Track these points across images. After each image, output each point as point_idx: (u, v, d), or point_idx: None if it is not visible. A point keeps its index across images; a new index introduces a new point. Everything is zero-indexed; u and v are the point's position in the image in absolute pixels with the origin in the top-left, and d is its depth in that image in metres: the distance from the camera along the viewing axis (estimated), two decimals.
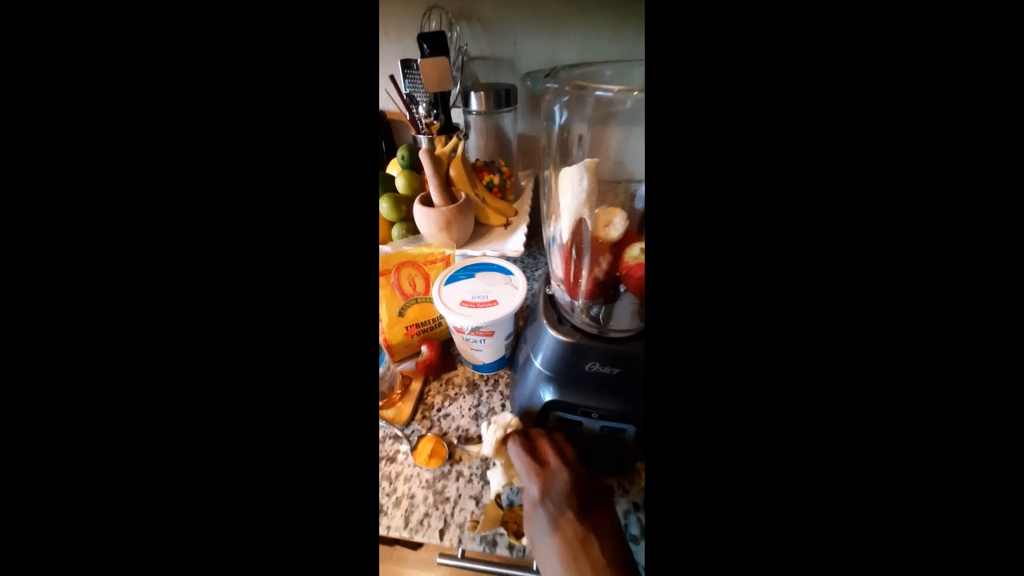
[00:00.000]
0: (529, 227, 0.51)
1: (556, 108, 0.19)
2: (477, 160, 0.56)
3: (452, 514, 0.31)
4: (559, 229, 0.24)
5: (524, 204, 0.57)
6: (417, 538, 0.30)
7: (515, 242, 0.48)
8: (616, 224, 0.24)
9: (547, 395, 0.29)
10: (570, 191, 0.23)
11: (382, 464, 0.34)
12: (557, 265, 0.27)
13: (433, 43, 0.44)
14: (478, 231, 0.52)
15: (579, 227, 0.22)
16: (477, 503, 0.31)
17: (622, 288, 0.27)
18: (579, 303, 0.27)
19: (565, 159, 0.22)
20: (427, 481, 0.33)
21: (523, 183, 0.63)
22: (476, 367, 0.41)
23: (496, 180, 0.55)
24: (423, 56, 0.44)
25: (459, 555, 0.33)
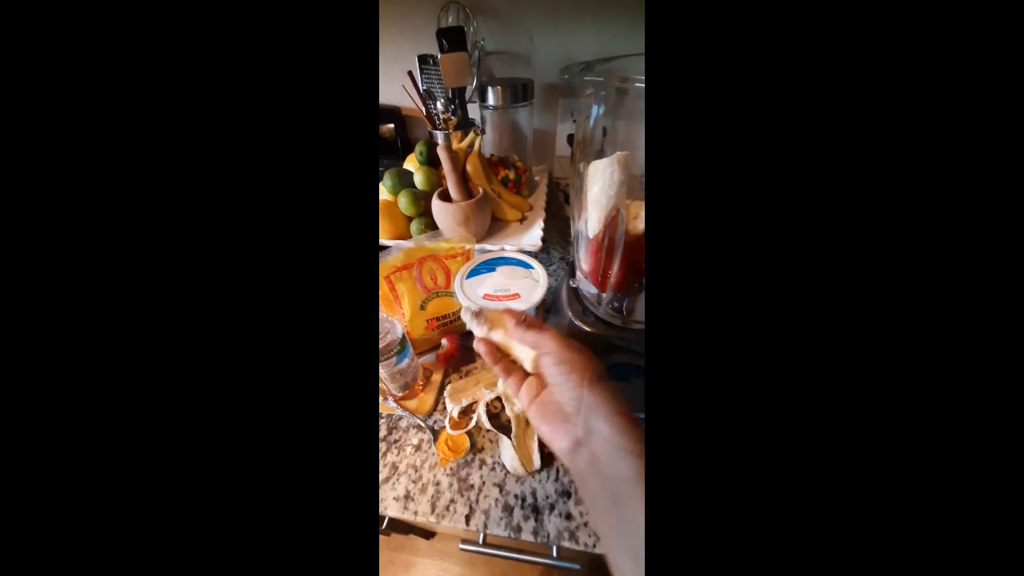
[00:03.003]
0: (545, 222, 0.51)
1: (594, 102, 0.20)
2: (492, 155, 0.57)
3: (477, 500, 0.31)
4: (587, 222, 0.24)
5: (539, 199, 0.57)
6: (444, 523, 0.31)
7: (532, 236, 0.49)
8: (644, 217, 0.25)
9: None
10: (600, 184, 0.23)
11: (408, 452, 0.35)
12: (584, 258, 0.27)
13: (452, 38, 0.44)
14: (494, 226, 0.52)
15: (614, 219, 0.23)
16: (501, 490, 0.32)
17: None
18: (605, 295, 0.28)
19: (597, 153, 0.22)
20: (451, 469, 0.34)
21: (537, 178, 0.63)
22: None
23: (511, 175, 0.55)
24: (442, 51, 0.44)
25: (481, 541, 0.34)
